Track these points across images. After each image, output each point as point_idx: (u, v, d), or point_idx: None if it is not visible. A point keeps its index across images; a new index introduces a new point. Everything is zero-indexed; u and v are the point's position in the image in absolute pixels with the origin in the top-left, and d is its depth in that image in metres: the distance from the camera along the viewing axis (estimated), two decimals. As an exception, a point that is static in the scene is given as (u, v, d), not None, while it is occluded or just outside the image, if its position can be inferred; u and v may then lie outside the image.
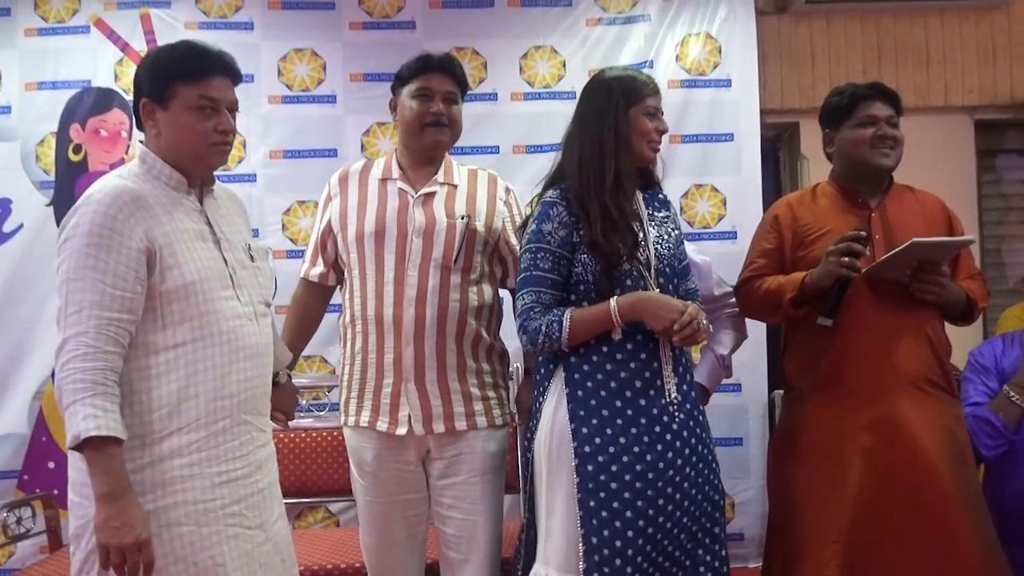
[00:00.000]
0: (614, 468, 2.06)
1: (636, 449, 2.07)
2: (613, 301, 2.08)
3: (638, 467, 2.06)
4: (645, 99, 2.20)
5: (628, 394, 2.10)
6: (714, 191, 3.78)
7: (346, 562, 2.86)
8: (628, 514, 2.04)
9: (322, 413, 3.56)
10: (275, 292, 2.32)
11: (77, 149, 3.74)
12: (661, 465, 2.08)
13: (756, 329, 3.73)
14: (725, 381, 3.74)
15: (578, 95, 3.78)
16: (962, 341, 2.84)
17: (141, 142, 1.96)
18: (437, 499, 2.37)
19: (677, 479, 2.10)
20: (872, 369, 2.37)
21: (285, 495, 3.26)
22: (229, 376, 1.88)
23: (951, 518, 2.29)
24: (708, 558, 2.16)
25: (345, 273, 2.45)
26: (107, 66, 3.75)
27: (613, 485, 2.05)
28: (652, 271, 2.17)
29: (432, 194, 2.39)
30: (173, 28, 3.77)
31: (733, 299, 2.70)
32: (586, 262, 2.14)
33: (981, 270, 2.66)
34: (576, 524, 2.06)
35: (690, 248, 2.50)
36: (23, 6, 3.77)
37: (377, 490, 2.37)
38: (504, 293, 2.53)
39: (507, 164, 3.69)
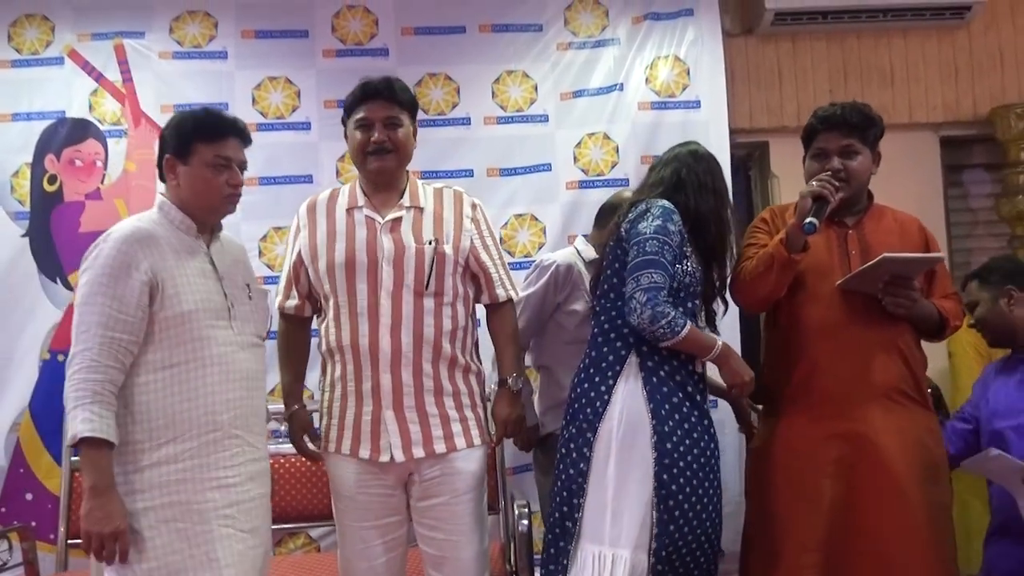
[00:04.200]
0: (687, 444, 2.27)
1: (700, 434, 2.31)
2: (720, 342, 2.35)
3: (706, 451, 2.31)
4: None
5: (689, 389, 2.34)
6: (686, 210, 3.81)
7: (327, 587, 2.86)
8: (700, 491, 2.27)
9: (301, 438, 3.55)
10: (269, 327, 2.41)
11: (52, 180, 3.74)
12: (715, 451, 2.36)
13: (733, 344, 3.77)
14: (701, 397, 3.79)
15: (550, 116, 3.88)
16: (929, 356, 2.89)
17: (162, 194, 2.26)
18: (419, 520, 2.37)
19: (717, 467, 2.37)
20: (842, 380, 2.40)
21: (265, 521, 3.34)
22: (219, 395, 2.13)
23: (914, 526, 2.31)
24: None
25: (321, 303, 2.45)
26: (81, 97, 3.77)
27: (681, 463, 2.26)
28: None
29: (399, 219, 2.39)
30: (147, 58, 3.80)
31: None
32: (691, 271, 2.37)
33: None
34: (651, 501, 2.23)
35: None
36: (-4, 38, 3.79)
37: (357, 514, 2.37)
38: (480, 310, 2.54)
39: (481, 187, 3.72)
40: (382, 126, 2.39)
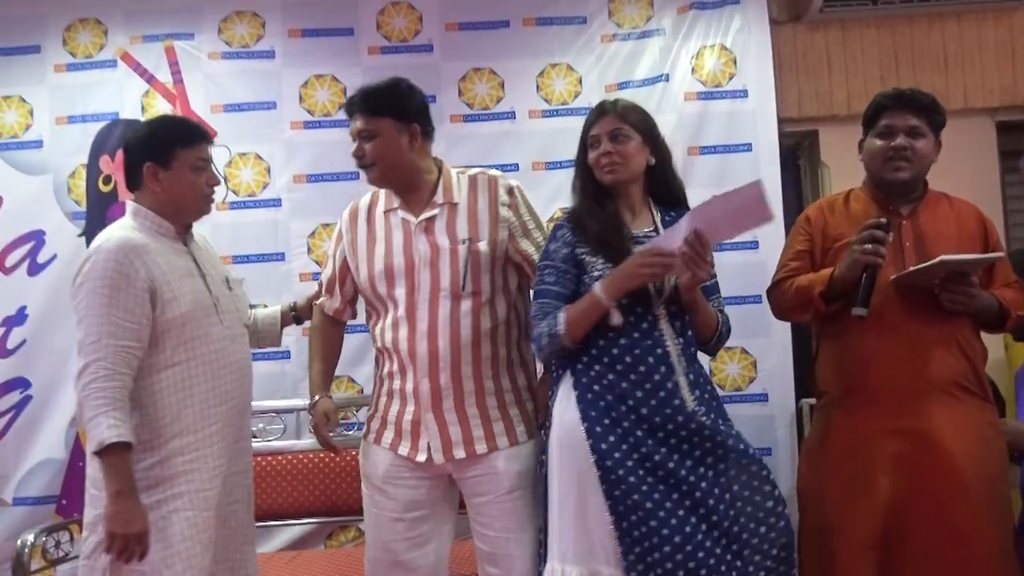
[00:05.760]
0: (630, 463, 2.12)
1: (652, 447, 2.14)
2: (596, 288, 2.16)
3: (647, 463, 2.13)
4: (588, 130, 2.38)
5: (632, 402, 2.16)
6: (734, 201, 3.78)
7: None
8: (652, 506, 2.10)
9: (350, 433, 3.59)
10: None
11: (107, 180, 3.82)
12: (671, 465, 2.13)
13: (783, 338, 3.74)
14: (752, 390, 3.75)
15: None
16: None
17: (133, 201, 2.36)
18: (473, 517, 2.39)
19: (691, 479, 2.13)
20: (900, 375, 2.36)
21: (315, 515, 3.41)
22: (218, 388, 2.30)
23: (976, 525, 2.27)
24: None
25: (366, 305, 2.49)
26: (134, 99, 3.84)
27: (631, 478, 2.11)
28: (653, 285, 2.22)
29: (432, 218, 2.38)
30: (197, 59, 3.85)
31: None
32: (598, 275, 2.21)
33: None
34: (606, 518, 2.13)
35: None
36: (52, 43, 3.88)
37: (381, 503, 2.38)
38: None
39: (527, 181, 3.61)
40: (361, 139, 2.37)
